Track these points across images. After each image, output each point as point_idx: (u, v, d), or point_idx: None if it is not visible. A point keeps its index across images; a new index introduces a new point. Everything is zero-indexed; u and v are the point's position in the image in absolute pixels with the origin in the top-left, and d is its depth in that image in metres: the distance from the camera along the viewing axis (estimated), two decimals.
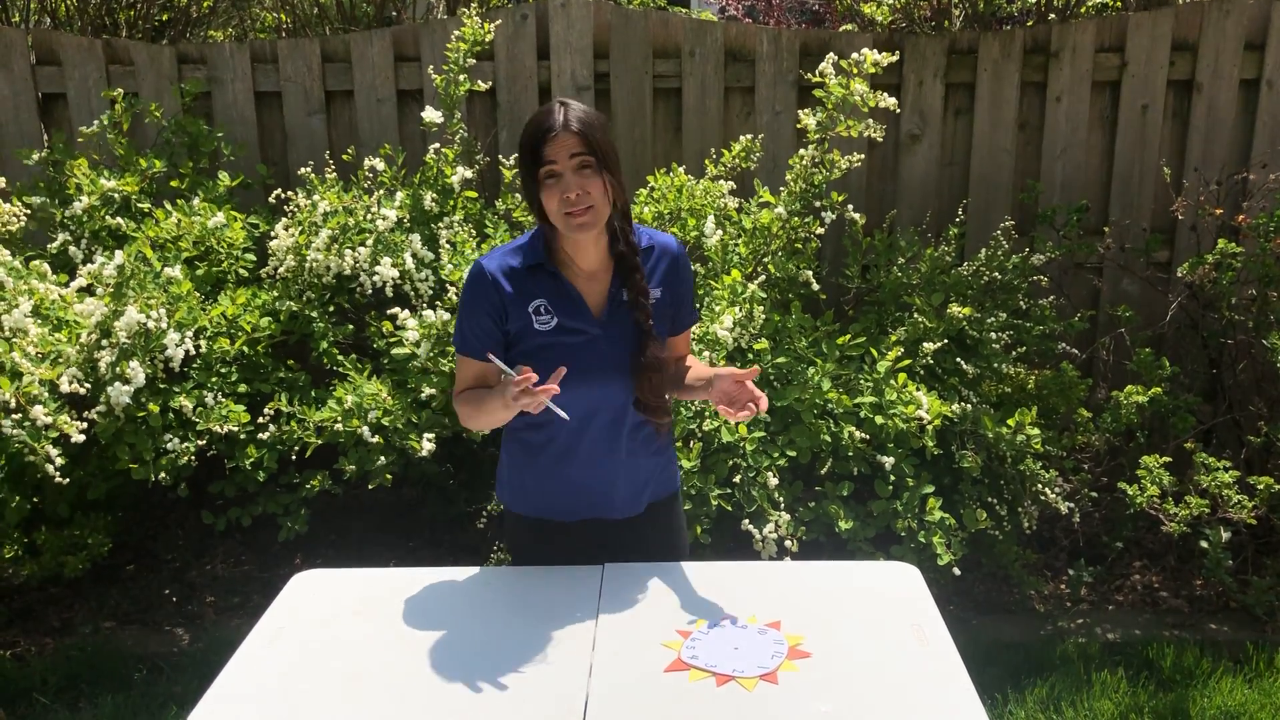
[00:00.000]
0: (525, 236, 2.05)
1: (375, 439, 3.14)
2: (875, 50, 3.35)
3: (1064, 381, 3.56)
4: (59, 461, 2.91)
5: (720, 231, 3.49)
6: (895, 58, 3.40)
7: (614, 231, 1.99)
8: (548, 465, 2.10)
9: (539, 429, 2.07)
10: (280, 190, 3.73)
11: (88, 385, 3.04)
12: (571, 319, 2.00)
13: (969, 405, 3.36)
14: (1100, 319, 4.12)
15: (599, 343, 2.00)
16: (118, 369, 3.03)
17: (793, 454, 3.21)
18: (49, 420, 2.90)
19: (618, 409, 2.06)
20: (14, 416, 2.88)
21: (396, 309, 3.25)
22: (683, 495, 2.41)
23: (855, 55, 3.34)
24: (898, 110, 3.41)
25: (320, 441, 3.18)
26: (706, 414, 3.21)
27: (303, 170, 3.71)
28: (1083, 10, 4.49)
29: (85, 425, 2.99)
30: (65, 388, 2.97)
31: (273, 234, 3.53)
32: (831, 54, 3.38)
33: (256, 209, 3.79)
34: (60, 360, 3.03)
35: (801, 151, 3.45)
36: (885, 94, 3.35)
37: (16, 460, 3.00)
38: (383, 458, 3.18)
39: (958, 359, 3.51)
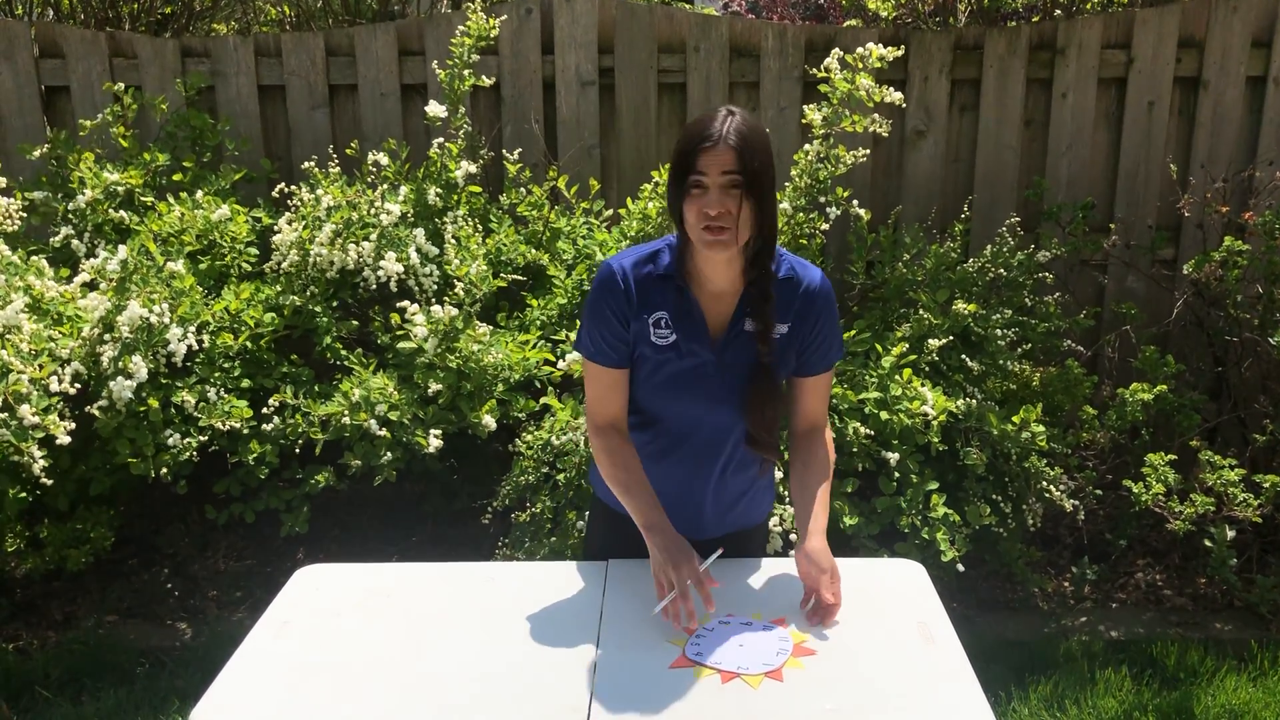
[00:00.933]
0: (658, 243, 1.96)
1: (383, 432, 3.14)
2: (881, 46, 3.34)
3: (1069, 378, 3.55)
4: (43, 463, 2.89)
5: None
6: (900, 52, 3.39)
7: (751, 259, 1.88)
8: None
9: (637, 431, 2.04)
10: (284, 184, 3.73)
11: (77, 386, 3.03)
12: (689, 339, 1.93)
13: (974, 402, 3.35)
14: (1105, 316, 4.11)
15: (710, 368, 1.94)
16: (120, 363, 3.02)
17: None
18: (35, 420, 2.89)
19: (720, 434, 2.00)
20: (0, 415, 2.87)
21: (405, 303, 3.24)
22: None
23: (860, 50, 3.33)
24: (903, 105, 3.40)
25: (326, 436, 3.17)
26: None
27: (306, 164, 3.70)
28: (1089, 6, 4.47)
29: (73, 425, 2.97)
30: (56, 386, 2.95)
31: (276, 228, 3.52)
32: (836, 49, 3.37)
33: (260, 203, 3.78)
34: (54, 357, 3.02)
35: (806, 147, 3.44)
36: (890, 89, 3.34)
37: (8, 455, 3.00)
38: (389, 453, 3.17)
39: (963, 355, 3.50)
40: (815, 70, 3.52)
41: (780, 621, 1.85)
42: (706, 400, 1.96)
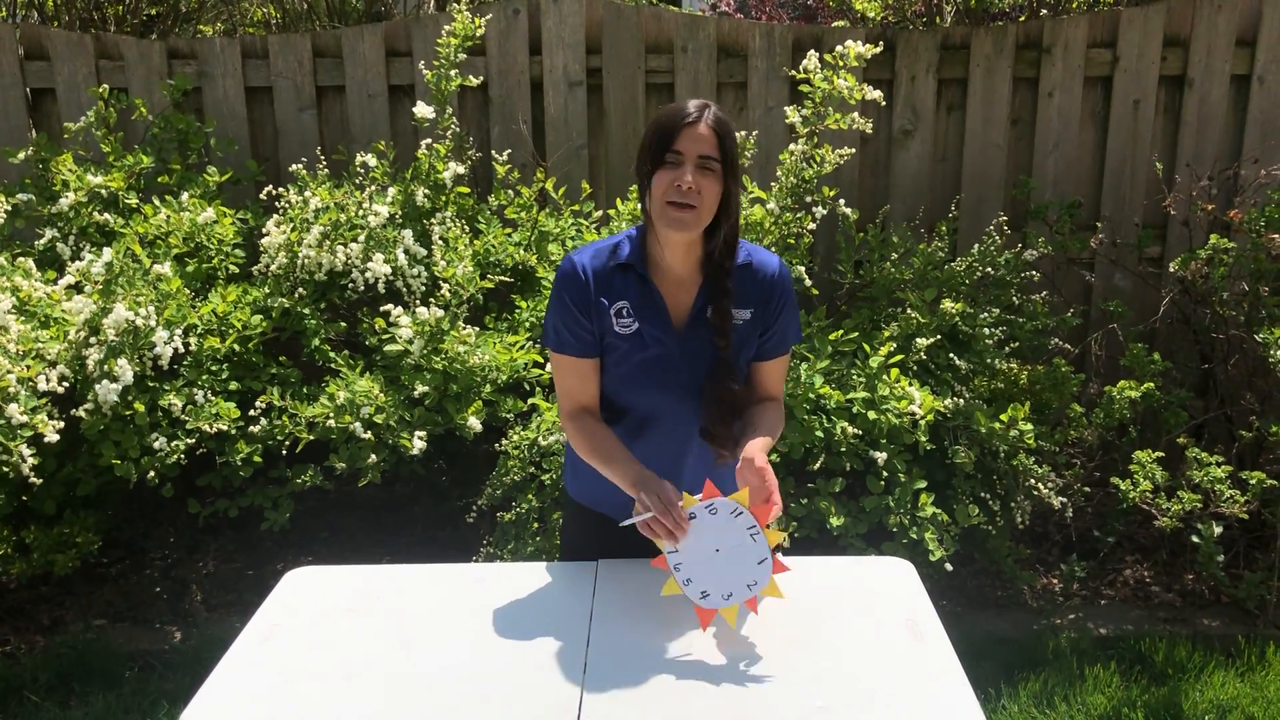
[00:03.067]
0: (618, 236, 1.99)
1: (367, 435, 3.13)
2: (860, 44, 3.34)
3: (1056, 377, 3.56)
4: (32, 461, 2.89)
5: None
6: (879, 49, 3.39)
7: (712, 250, 1.92)
8: None
9: (609, 426, 2.05)
10: (271, 186, 3.72)
11: (66, 385, 3.02)
12: (652, 327, 1.94)
13: (962, 400, 3.36)
14: (1092, 314, 4.12)
15: (675, 357, 1.95)
16: (106, 367, 3.01)
17: (784, 449, 3.21)
18: (24, 419, 2.88)
19: (685, 423, 2.01)
20: None
21: (389, 306, 3.24)
22: None
23: (839, 48, 3.33)
24: (884, 103, 3.40)
25: (312, 437, 3.17)
26: None
27: (294, 166, 3.69)
28: (1075, 5, 4.49)
29: (62, 424, 2.97)
30: (44, 385, 2.94)
31: (264, 230, 3.51)
32: (812, 51, 3.37)
33: (247, 205, 3.77)
34: (41, 358, 3.01)
35: (791, 147, 3.44)
36: (870, 87, 3.34)
37: None
38: (374, 455, 3.17)
39: (950, 354, 3.51)
40: (795, 72, 3.53)
41: (763, 510, 1.81)
42: (672, 389, 1.97)
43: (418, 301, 3.40)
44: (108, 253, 3.16)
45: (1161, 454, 3.48)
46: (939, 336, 3.47)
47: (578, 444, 2.00)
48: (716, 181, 1.83)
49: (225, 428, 3.16)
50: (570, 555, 2.22)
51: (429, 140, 3.67)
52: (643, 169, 1.87)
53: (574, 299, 1.93)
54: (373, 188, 3.58)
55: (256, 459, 3.21)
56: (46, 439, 2.91)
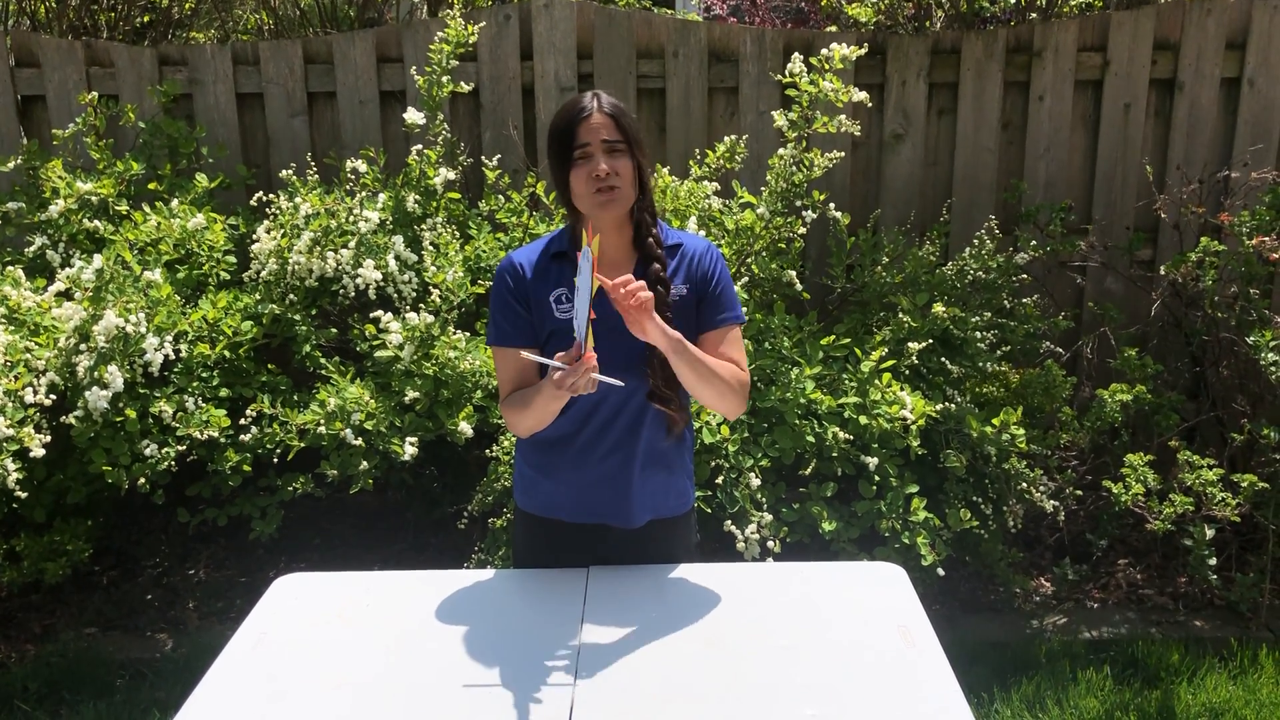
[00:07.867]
0: (551, 234, 2.07)
1: (358, 442, 3.13)
2: (845, 46, 3.33)
3: (1048, 380, 3.56)
4: (16, 475, 2.87)
5: (704, 232, 3.49)
6: (863, 50, 3.39)
7: (639, 223, 2.00)
8: (561, 461, 2.08)
9: (558, 422, 2.04)
10: (262, 192, 3.71)
11: (54, 396, 3.01)
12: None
13: (953, 405, 3.36)
14: (1084, 317, 4.13)
15: (615, 334, 1.94)
16: (96, 373, 3.00)
17: (776, 454, 3.20)
18: (9, 432, 2.87)
19: (635, 397, 2.02)
20: None
21: (379, 312, 3.23)
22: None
23: (825, 51, 3.33)
24: (875, 107, 3.40)
25: (302, 444, 3.16)
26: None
27: (285, 172, 3.69)
28: (1065, 9, 4.50)
29: (49, 438, 2.95)
30: (31, 398, 2.93)
31: (254, 236, 3.51)
32: (796, 54, 3.37)
33: (238, 211, 3.77)
34: (30, 369, 3.00)
35: (781, 151, 3.44)
36: (856, 88, 3.34)
37: None
38: (365, 462, 3.16)
39: (942, 358, 3.51)
40: (781, 76, 3.53)
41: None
42: (617, 361, 1.93)
43: (408, 307, 3.40)
44: (98, 259, 3.15)
45: (1153, 457, 3.49)
46: (930, 340, 3.47)
47: (513, 415, 2.02)
48: (627, 159, 1.93)
49: (215, 435, 3.15)
50: (521, 562, 2.23)
51: (420, 146, 3.66)
52: (557, 173, 1.97)
53: (512, 292, 2.01)
54: (363, 194, 3.58)
55: (246, 467, 3.20)
56: (32, 453, 2.90)
